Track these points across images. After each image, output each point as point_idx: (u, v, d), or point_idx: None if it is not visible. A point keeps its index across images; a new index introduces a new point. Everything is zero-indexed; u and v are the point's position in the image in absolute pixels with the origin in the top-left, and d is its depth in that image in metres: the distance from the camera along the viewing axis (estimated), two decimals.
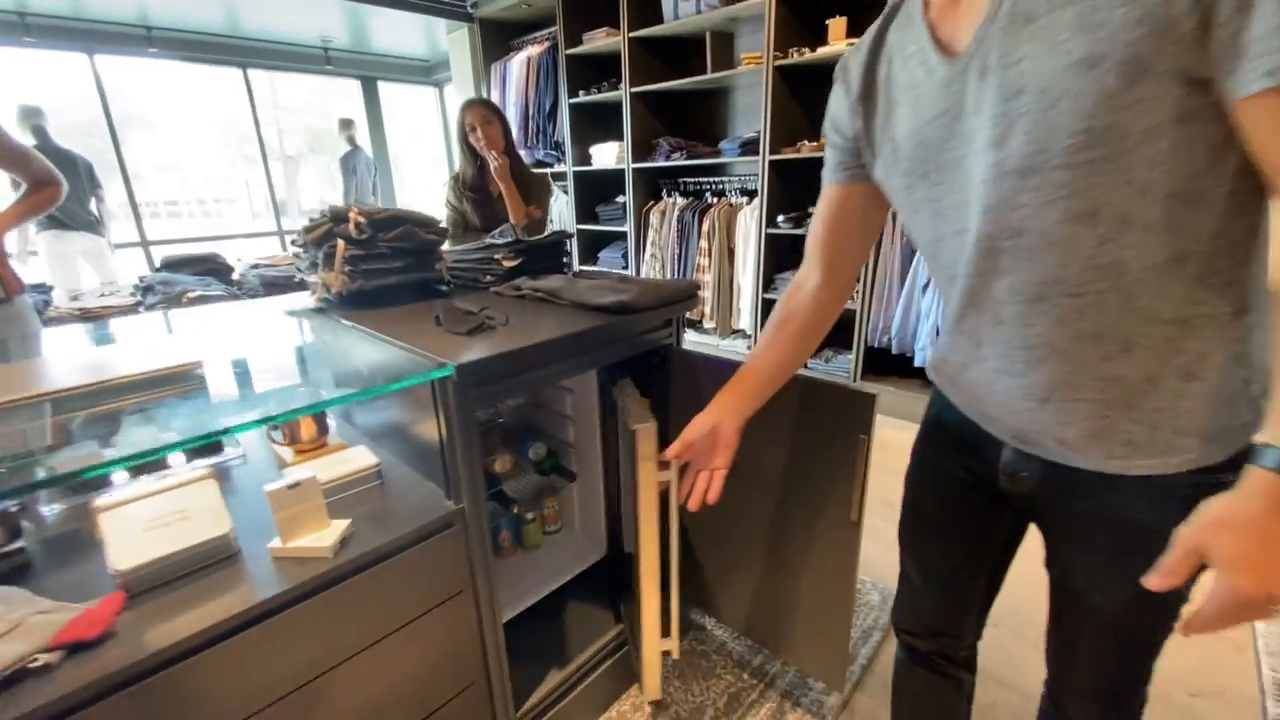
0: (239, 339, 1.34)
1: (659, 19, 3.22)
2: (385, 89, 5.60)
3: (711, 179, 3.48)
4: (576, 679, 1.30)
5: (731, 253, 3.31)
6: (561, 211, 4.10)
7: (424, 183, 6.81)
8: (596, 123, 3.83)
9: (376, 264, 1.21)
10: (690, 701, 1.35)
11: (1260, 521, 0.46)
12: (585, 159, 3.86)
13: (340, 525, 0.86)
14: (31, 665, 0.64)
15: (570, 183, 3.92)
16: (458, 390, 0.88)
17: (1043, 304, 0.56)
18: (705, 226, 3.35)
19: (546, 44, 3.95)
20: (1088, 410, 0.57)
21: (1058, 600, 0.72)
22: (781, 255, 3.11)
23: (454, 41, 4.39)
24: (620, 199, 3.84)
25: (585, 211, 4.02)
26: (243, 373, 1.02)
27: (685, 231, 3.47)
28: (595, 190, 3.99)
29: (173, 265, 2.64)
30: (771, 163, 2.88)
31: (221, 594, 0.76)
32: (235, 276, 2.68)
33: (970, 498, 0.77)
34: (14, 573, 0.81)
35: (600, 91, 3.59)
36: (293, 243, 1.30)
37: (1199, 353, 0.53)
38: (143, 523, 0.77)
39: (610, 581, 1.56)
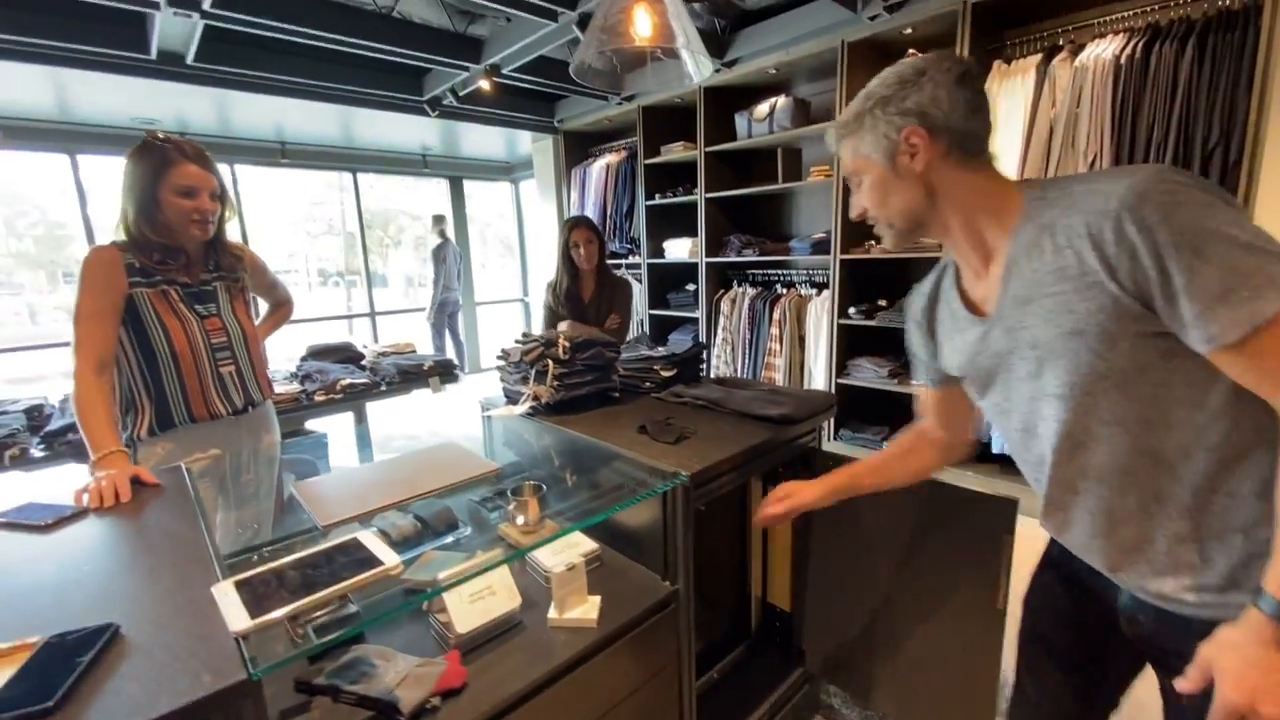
0: (481, 440, 1.62)
1: (732, 135, 3.66)
2: (469, 185, 6.25)
3: (780, 271, 3.80)
4: None
5: (802, 339, 3.57)
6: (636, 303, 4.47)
7: (496, 262, 7.42)
8: (669, 220, 4.25)
9: (575, 378, 1.48)
10: None
11: (1248, 649, 0.62)
12: (659, 251, 4.25)
13: (596, 601, 1.08)
14: (428, 707, 0.85)
15: (644, 273, 4.30)
16: (685, 492, 1.12)
17: (1104, 482, 0.72)
18: (776, 315, 3.64)
19: (624, 153, 4.46)
20: (1169, 563, 0.70)
21: None
22: (855, 342, 3.34)
23: (538, 149, 4.97)
24: (690, 286, 4.19)
25: (657, 298, 4.37)
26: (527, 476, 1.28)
27: (756, 319, 3.75)
28: (667, 280, 4.36)
29: (317, 354, 3.01)
30: (842, 261, 3.18)
31: (525, 654, 0.98)
32: (366, 363, 3.03)
33: (1090, 633, 0.89)
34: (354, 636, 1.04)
35: (676, 196, 4.01)
36: (499, 356, 1.60)
37: (1245, 512, 0.66)
38: (468, 597, 1.00)
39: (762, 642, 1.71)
